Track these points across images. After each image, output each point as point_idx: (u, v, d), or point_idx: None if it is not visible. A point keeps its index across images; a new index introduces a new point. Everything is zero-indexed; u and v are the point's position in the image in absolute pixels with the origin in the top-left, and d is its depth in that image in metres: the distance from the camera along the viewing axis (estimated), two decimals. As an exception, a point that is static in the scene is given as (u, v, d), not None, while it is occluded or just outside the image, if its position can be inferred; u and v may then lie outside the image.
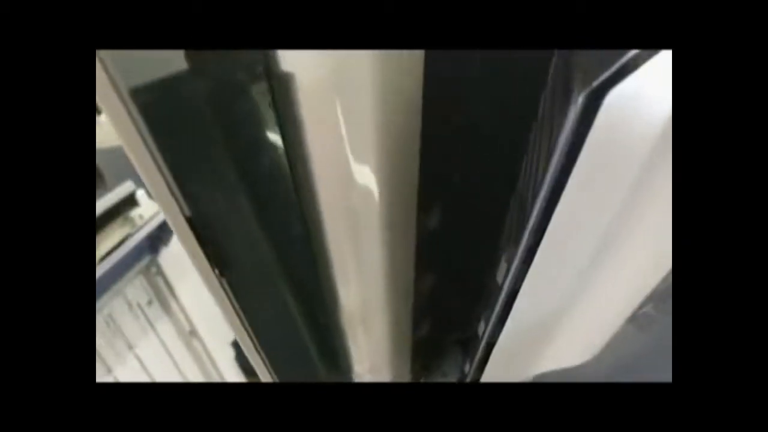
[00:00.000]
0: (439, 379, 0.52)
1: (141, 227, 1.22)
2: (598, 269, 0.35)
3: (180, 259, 1.53)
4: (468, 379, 0.40)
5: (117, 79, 0.21)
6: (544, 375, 0.67)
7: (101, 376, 1.31)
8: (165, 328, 1.50)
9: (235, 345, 1.75)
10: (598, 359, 0.72)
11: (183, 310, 1.52)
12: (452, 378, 0.51)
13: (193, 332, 1.57)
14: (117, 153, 1.23)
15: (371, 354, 0.34)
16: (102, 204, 1.26)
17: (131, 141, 0.21)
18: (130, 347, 1.39)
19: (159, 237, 1.35)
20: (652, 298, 0.81)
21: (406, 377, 0.44)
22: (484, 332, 0.34)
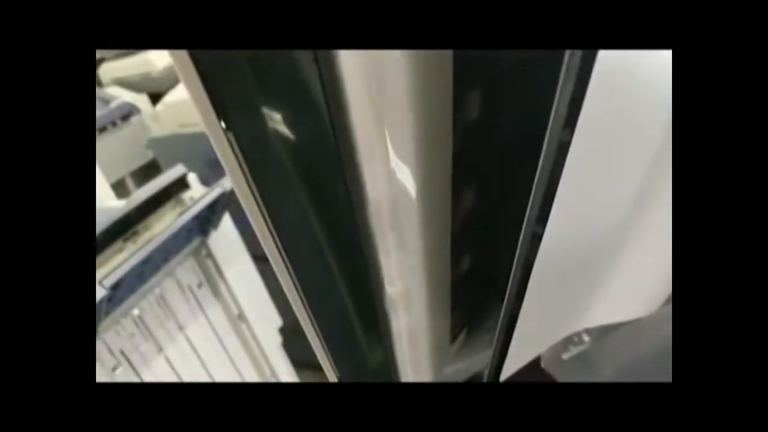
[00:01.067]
0: (482, 336, 0.49)
1: (189, 207, 1.24)
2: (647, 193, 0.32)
3: (229, 244, 1.55)
4: (504, 320, 0.38)
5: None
6: (602, 333, 0.63)
7: (152, 355, 1.34)
8: (214, 310, 1.52)
9: (282, 331, 1.76)
10: (657, 329, 0.67)
11: (232, 293, 1.54)
12: (491, 335, 0.48)
13: (242, 316, 1.58)
14: (170, 141, 1.27)
15: (404, 275, 0.32)
16: (153, 186, 1.29)
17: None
18: (181, 328, 1.42)
19: (209, 219, 1.37)
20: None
21: (445, 320, 0.41)
22: (517, 260, 0.31)
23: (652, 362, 0.62)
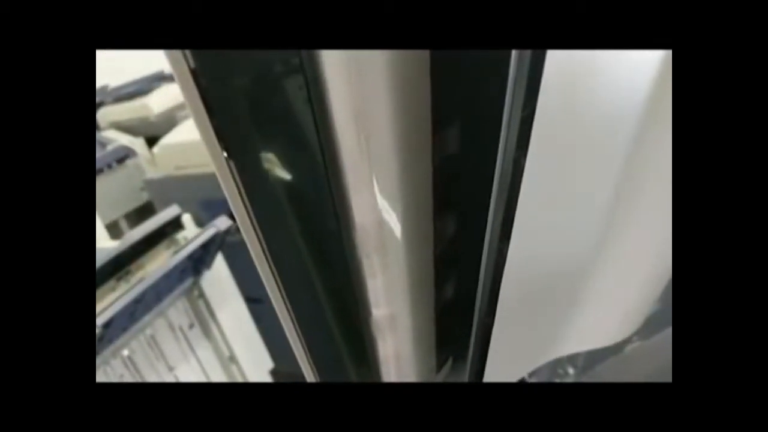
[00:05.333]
0: (466, 366, 0.50)
1: (183, 247, 1.26)
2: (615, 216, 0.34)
3: (222, 285, 1.56)
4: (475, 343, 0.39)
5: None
6: (586, 365, 0.64)
7: (141, 397, 1.32)
8: (205, 352, 1.51)
9: (273, 374, 1.74)
10: (640, 363, 0.68)
11: (223, 335, 1.54)
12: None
13: (233, 358, 1.57)
14: (165, 183, 1.29)
15: (390, 297, 0.34)
16: (148, 226, 1.30)
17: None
18: (170, 369, 1.41)
19: (202, 259, 1.38)
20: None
21: (430, 347, 0.43)
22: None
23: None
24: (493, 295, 0.34)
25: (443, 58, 0.26)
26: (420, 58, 0.25)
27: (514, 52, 0.24)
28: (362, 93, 0.23)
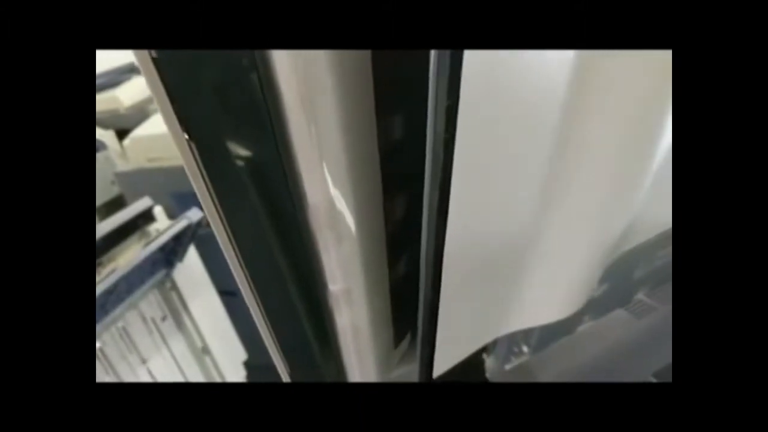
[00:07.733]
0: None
1: (155, 238, 1.26)
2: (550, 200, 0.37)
3: (194, 277, 1.57)
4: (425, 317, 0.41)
5: None
6: (540, 344, 0.67)
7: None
8: (178, 344, 1.52)
9: (247, 365, 1.75)
10: (591, 343, 0.72)
11: (196, 326, 1.55)
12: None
13: (206, 349, 1.58)
14: (137, 176, 1.28)
15: (344, 272, 0.36)
16: (119, 217, 1.31)
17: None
18: (143, 361, 1.41)
19: (174, 251, 1.39)
20: (645, 284, 0.81)
21: (386, 322, 0.45)
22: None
23: (587, 373, 0.68)
24: (437, 272, 0.37)
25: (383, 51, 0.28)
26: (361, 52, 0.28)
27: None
28: (309, 84, 0.26)
